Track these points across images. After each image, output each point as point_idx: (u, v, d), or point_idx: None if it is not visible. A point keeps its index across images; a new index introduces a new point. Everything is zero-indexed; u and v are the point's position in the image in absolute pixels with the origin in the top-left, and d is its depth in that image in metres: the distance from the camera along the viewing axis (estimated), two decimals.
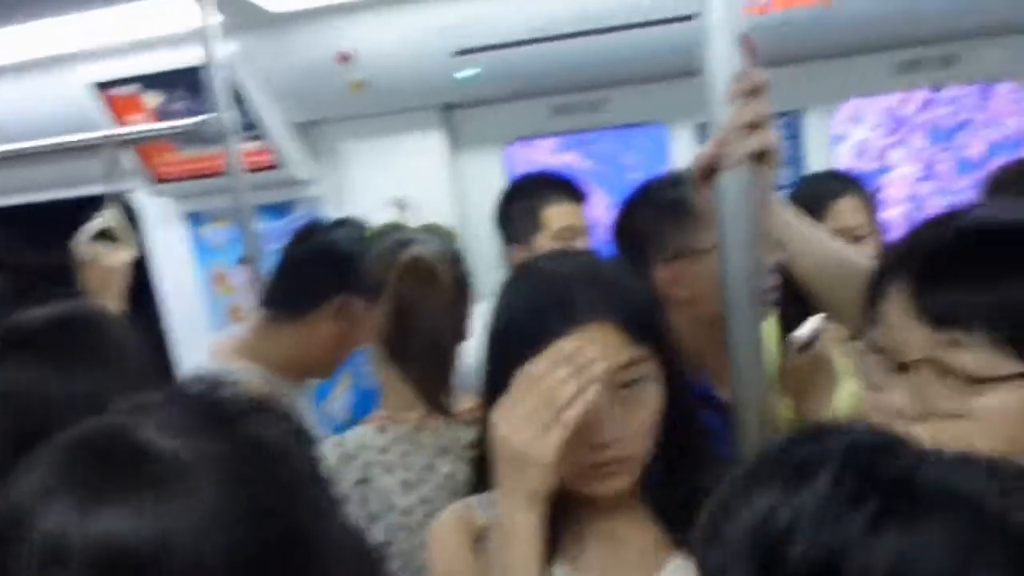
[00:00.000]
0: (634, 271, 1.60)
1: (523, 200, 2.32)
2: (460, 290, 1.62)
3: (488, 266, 2.31)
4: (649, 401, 1.04)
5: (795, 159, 2.64)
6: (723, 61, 1.05)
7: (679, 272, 1.58)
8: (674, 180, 1.63)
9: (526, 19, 2.35)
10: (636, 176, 4.12)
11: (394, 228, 1.74)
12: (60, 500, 0.59)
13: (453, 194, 2.80)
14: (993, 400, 0.80)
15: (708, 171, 1.09)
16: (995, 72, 2.51)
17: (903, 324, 0.85)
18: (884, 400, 0.87)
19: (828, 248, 1.18)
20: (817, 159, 2.62)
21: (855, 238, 1.93)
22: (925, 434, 0.83)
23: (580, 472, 1.04)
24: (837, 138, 3.42)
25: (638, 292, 1.08)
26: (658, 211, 1.60)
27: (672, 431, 1.07)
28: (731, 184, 1.06)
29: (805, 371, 1.47)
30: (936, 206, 3.81)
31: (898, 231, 3.14)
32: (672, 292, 1.60)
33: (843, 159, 3.57)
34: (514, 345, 1.02)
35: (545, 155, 3.95)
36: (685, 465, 1.09)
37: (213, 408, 0.68)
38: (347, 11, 2.44)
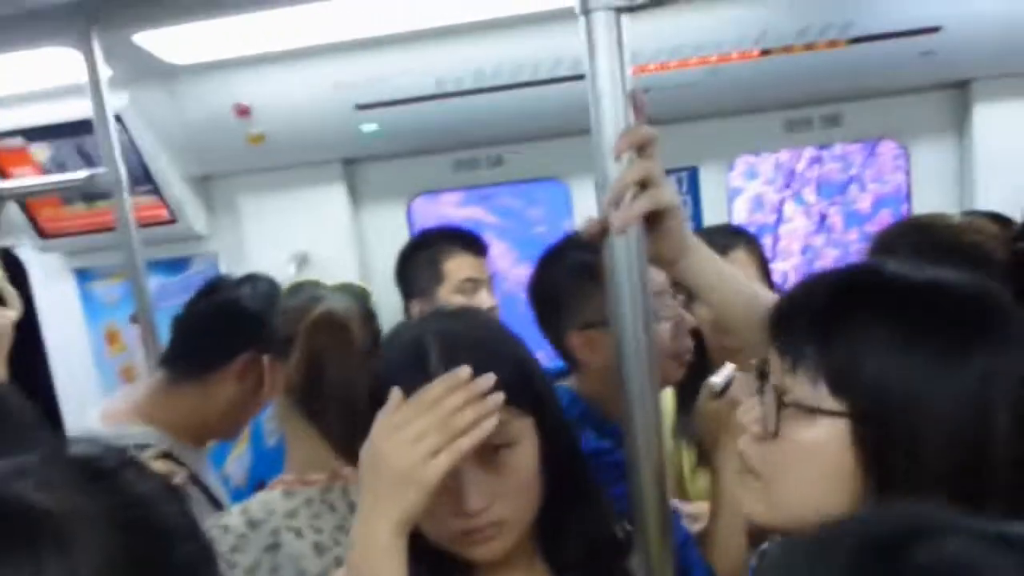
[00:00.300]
0: (549, 331, 1.64)
1: (423, 253, 2.32)
2: (373, 346, 1.59)
3: (392, 321, 2.28)
4: (522, 462, 1.03)
5: (694, 214, 2.70)
6: (611, 117, 1.06)
7: (591, 341, 1.58)
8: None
9: (425, 75, 2.37)
10: (540, 230, 4.17)
11: (307, 285, 1.70)
12: None
13: (356, 248, 2.78)
14: (808, 431, 0.89)
15: (600, 234, 1.08)
16: (876, 131, 2.63)
17: (771, 352, 0.94)
18: (743, 413, 0.96)
19: (742, 285, 1.19)
20: (714, 213, 2.70)
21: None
22: (742, 445, 0.95)
23: (450, 538, 1.03)
24: (734, 192, 3.53)
25: (504, 350, 1.08)
26: (571, 276, 1.59)
27: (557, 483, 1.07)
28: (621, 245, 1.07)
29: (719, 416, 1.50)
30: (828, 257, 3.95)
31: (792, 282, 3.22)
32: (586, 358, 1.60)
33: (740, 213, 3.69)
34: (381, 402, 1.00)
35: (450, 209, 3.97)
36: (573, 515, 1.09)
37: (89, 465, 0.65)
38: (245, 64, 2.41)
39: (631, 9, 1.04)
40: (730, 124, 2.59)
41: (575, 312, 1.59)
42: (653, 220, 1.08)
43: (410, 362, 1.03)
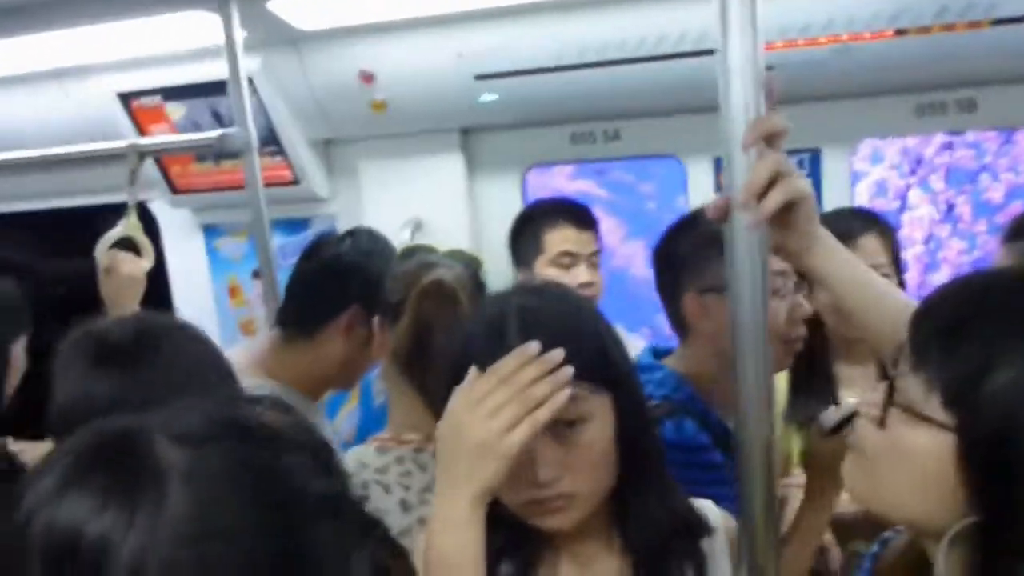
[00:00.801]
0: (666, 294, 1.65)
1: (530, 224, 2.34)
2: None
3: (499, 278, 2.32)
4: (593, 439, 1.05)
5: (816, 197, 2.63)
6: (741, 98, 1.05)
7: (708, 306, 1.58)
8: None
9: (546, 47, 2.37)
10: (651, 207, 4.14)
11: (420, 250, 1.74)
12: (68, 499, 0.60)
13: (470, 217, 2.82)
14: (912, 434, 0.88)
15: (724, 217, 1.08)
16: (1014, 119, 2.50)
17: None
18: (871, 392, 0.96)
19: (869, 277, 1.16)
20: (836, 197, 2.62)
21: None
22: (859, 424, 0.96)
23: (523, 507, 1.06)
24: (856, 176, 3.42)
25: (582, 326, 1.08)
26: (699, 241, 1.59)
27: (630, 464, 1.09)
28: (742, 230, 1.06)
29: (824, 457, 1.40)
30: (953, 248, 3.80)
31: (915, 271, 3.11)
32: (698, 323, 1.60)
33: (861, 197, 3.57)
34: (462, 372, 1.03)
35: (562, 181, 3.98)
36: (643, 496, 1.10)
37: (232, 423, 0.68)
38: (371, 32, 2.46)
39: None
40: (857, 106, 2.50)
41: (696, 274, 1.58)
42: (782, 211, 1.06)
43: (489, 336, 1.05)
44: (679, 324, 1.66)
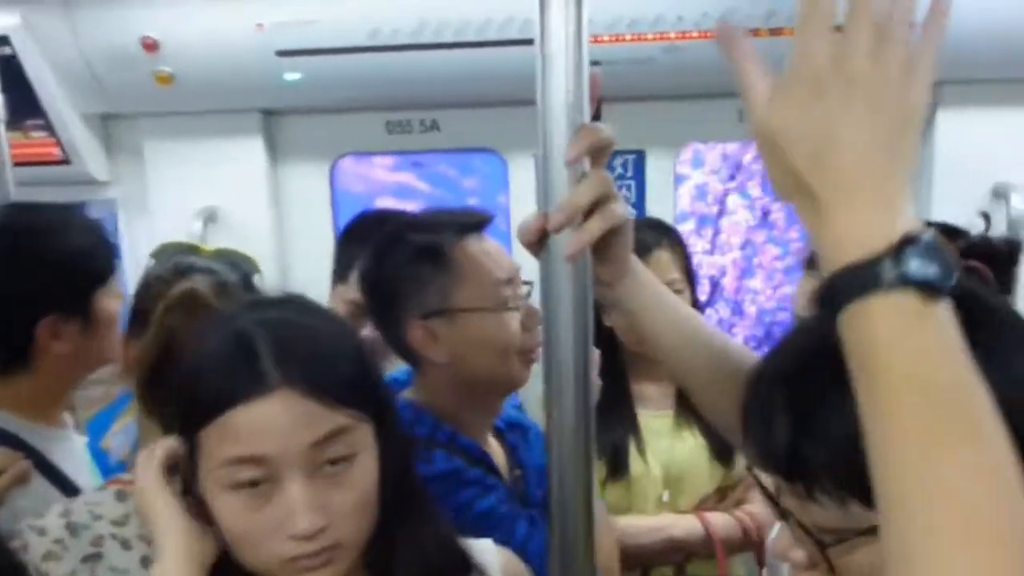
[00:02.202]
0: (383, 323, 1.43)
1: (346, 244, 2.06)
2: None
3: (308, 290, 2.08)
4: (362, 477, 0.90)
5: (638, 200, 2.55)
6: (559, 90, 0.87)
7: (435, 331, 1.38)
8: (433, 223, 1.43)
9: (358, 24, 2.15)
10: (474, 203, 3.98)
11: (178, 249, 1.47)
12: None
13: (272, 209, 2.55)
14: (863, 555, 0.70)
15: (539, 241, 0.90)
16: None
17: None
18: (779, 546, 0.78)
19: (680, 314, 1.02)
20: (660, 201, 2.55)
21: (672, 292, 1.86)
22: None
23: (279, 566, 0.89)
24: (678, 179, 3.40)
25: (342, 344, 0.93)
26: (409, 260, 1.39)
27: (396, 499, 0.94)
28: (560, 257, 0.89)
29: None
30: (768, 254, 3.85)
31: (732, 276, 3.09)
32: (428, 352, 1.40)
33: (683, 201, 3.56)
34: (196, 405, 0.88)
35: (381, 173, 3.75)
36: (407, 534, 0.97)
37: None
38: None
39: None
40: (683, 108, 2.43)
41: (414, 299, 1.39)
42: (600, 238, 0.90)
43: (234, 358, 0.87)
44: (406, 355, 1.45)
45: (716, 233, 3.68)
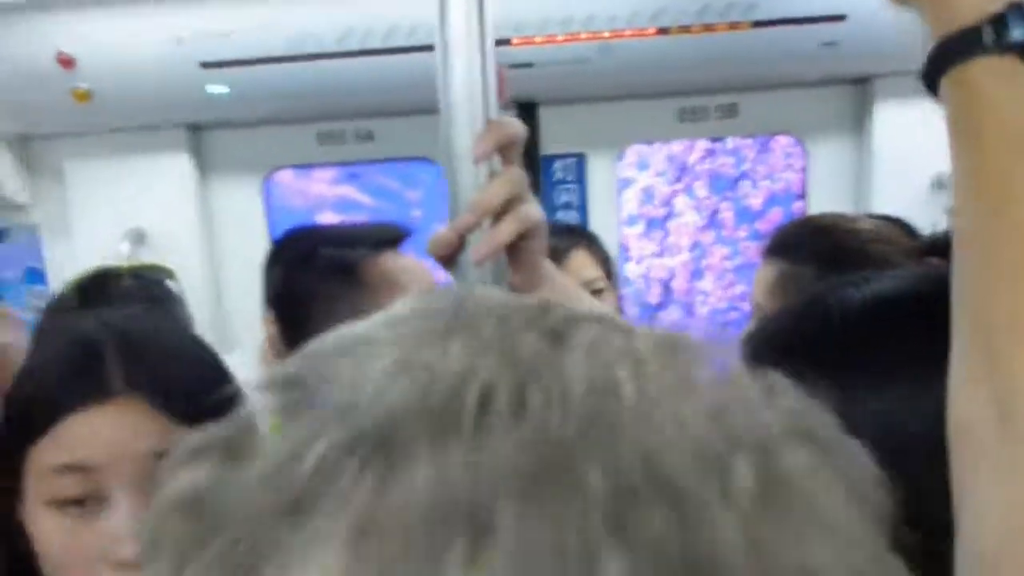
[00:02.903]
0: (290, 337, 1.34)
1: (274, 259, 1.98)
2: None
3: (243, 312, 2.00)
4: None
5: (580, 204, 2.50)
6: (463, 89, 0.81)
7: None
8: (347, 238, 1.36)
9: (282, 33, 2.08)
10: (418, 214, 3.92)
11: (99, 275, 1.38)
12: None
13: (202, 227, 2.46)
14: None
15: (453, 254, 0.83)
16: (774, 125, 2.49)
17: None
18: None
19: None
20: (602, 204, 2.51)
21: (593, 292, 1.82)
22: None
23: None
24: (624, 183, 3.36)
25: (196, 361, 0.86)
26: (324, 274, 1.32)
27: None
28: (474, 268, 0.82)
29: None
30: (717, 255, 3.84)
31: (682, 278, 3.06)
32: None
33: (630, 205, 3.53)
34: (28, 416, 0.79)
35: (322, 187, 3.67)
36: None
37: None
38: (70, 7, 2.07)
39: None
40: (622, 109, 2.39)
41: (324, 318, 1.30)
42: (511, 243, 0.83)
43: (74, 362, 0.80)
44: None
45: (665, 235, 3.65)
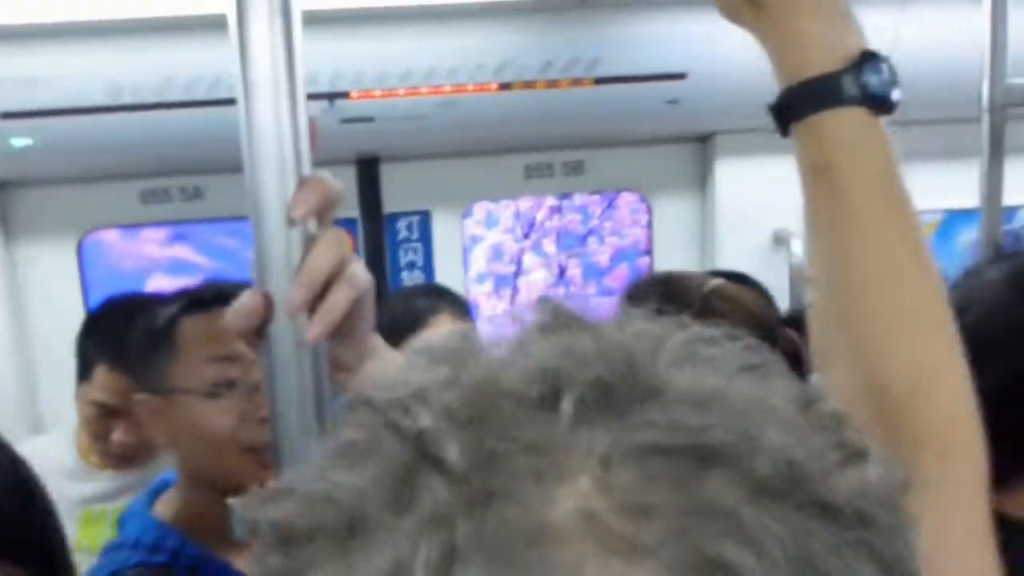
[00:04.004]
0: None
1: (89, 331, 1.79)
2: None
3: (56, 389, 1.80)
4: None
5: (426, 263, 2.41)
6: (272, 145, 0.70)
7: (157, 410, 1.24)
8: (172, 299, 1.30)
9: (93, 80, 1.90)
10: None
11: None
12: None
13: (7, 298, 2.21)
14: None
15: (261, 324, 0.71)
16: (619, 181, 2.50)
17: None
18: None
19: None
20: (448, 262, 2.43)
21: None
22: None
23: None
24: (474, 240, 3.31)
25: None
26: (142, 337, 1.28)
27: None
28: (287, 340, 0.71)
29: None
30: None
31: None
32: (149, 431, 1.26)
33: (479, 262, 3.48)
34: None
35: (153, 248, 3.43)
36: None
37: None
38: None
39: None
40: (467, 165, 2.33)
41: (142, 376, 1.26)
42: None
43: None
44: None
45: (514, 293, 3.62)
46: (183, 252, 3.66)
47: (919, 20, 2.04)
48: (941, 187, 1.97)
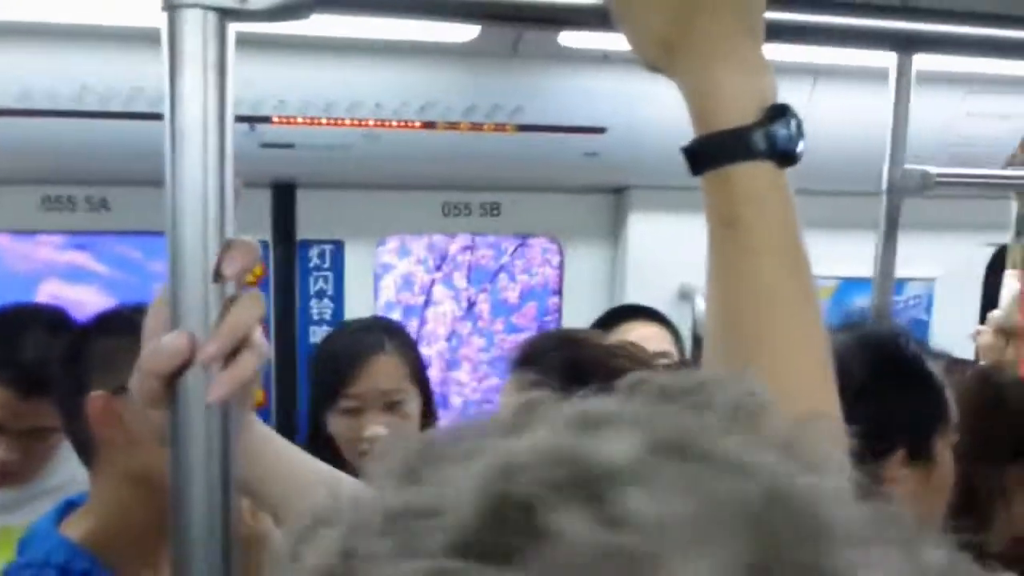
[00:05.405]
0: (66, 406, 1.24)
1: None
2: None
3: None
4: None
5: (336, 293, 2.39)
6: (196, 169, 0.70)
7: (118, 409, 1.18)
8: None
9: (4, 85, 1.84)
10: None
11: None
12: None
13: None
14: None
15: (171, 378, 0.70)
16: (534, 226, 2.54)
17: None
18: None
19: (309, 478, 0.85)
20: (359, 293, 2.41)
21: (392, 404, 1.75)
22: None
23: None
24: (384, 268, 3.29)
25: None
26: (116, 337, 1.22)
27: None
28: (197, 397, 0.69)
29: None
30: (474, 345, 3.83)
31: (437, 367, 3.01)
32: (104, 431, 1.19)
33: (388, 291, 3.45)
34: None
35: (48, 252, 3.30)
36: None
37: None
38: None
39: (240, 15, 0.70)
40: (385, 198, 2.33)
41: (109, 373, 1.19)
42: None
43: None
44: (83, 446, 1.24)
45: (422, 324, 3.61)
46: (80, 259, 3.54)
47: (829, 98, 2.14)
48: (838, 255, 2.06)
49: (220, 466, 0.69)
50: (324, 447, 1.69)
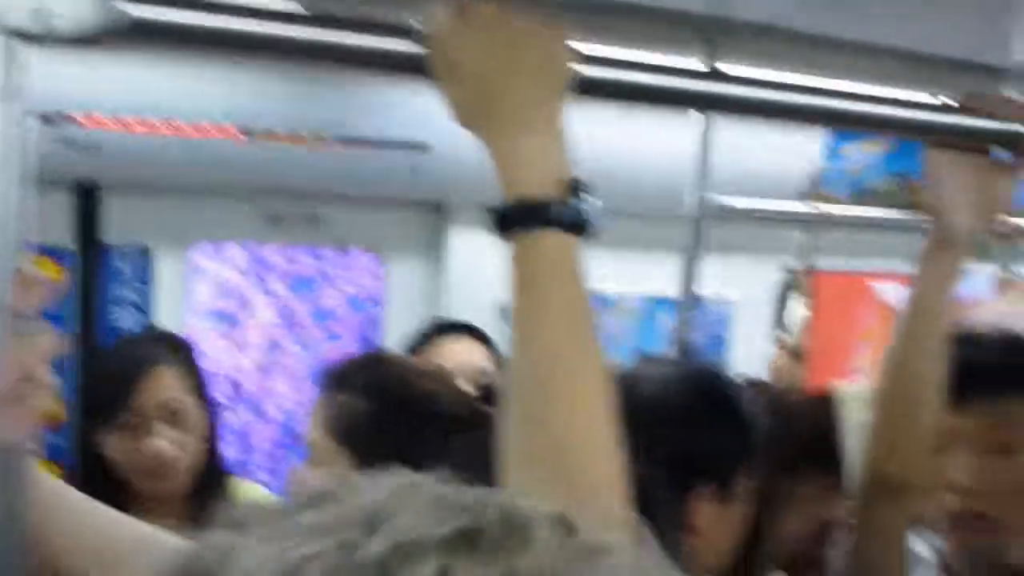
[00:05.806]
0: None
1: None
2: None
3: None
4: None
5: (144, 300, 2.28)
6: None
7: None
8: None
9: None
10: None
11: None
12: None
13: None
14: None
15: None
16: (355, 238, 2.53)
17: None
18: None
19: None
20: (170, 300, 2.32)
21: (174, 417, 1.69)
22: None
23: None
24: (199, 272, 3.17)
25: None
26: None
27: None
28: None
29: None
30: (293, 355, 3.76)
31: (256, 376, 2.93)
32: None
33: (203, 297, 3.33)
34: None
35: None
36: None
37: None
38: None
39: (42, 40, 0.67)
40: (199, 205, 2.26)
41: None
42: None
43: None
44: None
45: (238, 332, 3.50)
46: None
47: (637, 124, 2.26)
48: (644, 274, 2.18)
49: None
50: (97, 472, 1.62)
